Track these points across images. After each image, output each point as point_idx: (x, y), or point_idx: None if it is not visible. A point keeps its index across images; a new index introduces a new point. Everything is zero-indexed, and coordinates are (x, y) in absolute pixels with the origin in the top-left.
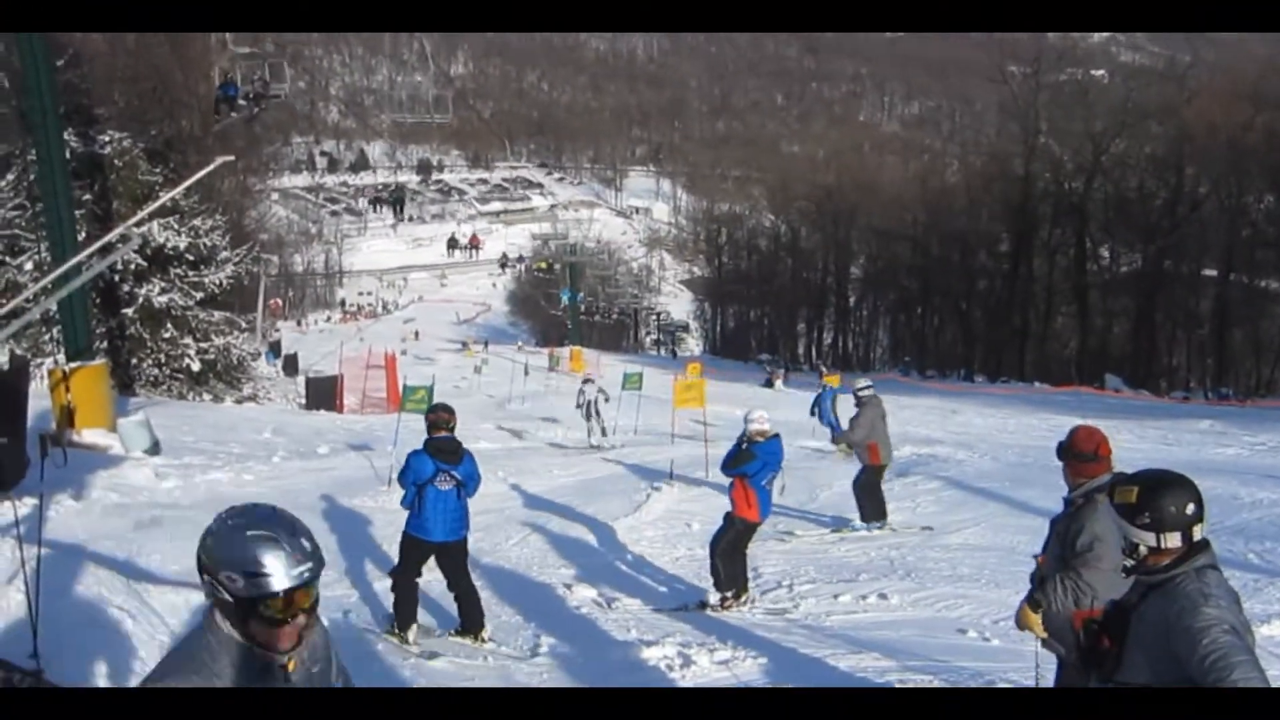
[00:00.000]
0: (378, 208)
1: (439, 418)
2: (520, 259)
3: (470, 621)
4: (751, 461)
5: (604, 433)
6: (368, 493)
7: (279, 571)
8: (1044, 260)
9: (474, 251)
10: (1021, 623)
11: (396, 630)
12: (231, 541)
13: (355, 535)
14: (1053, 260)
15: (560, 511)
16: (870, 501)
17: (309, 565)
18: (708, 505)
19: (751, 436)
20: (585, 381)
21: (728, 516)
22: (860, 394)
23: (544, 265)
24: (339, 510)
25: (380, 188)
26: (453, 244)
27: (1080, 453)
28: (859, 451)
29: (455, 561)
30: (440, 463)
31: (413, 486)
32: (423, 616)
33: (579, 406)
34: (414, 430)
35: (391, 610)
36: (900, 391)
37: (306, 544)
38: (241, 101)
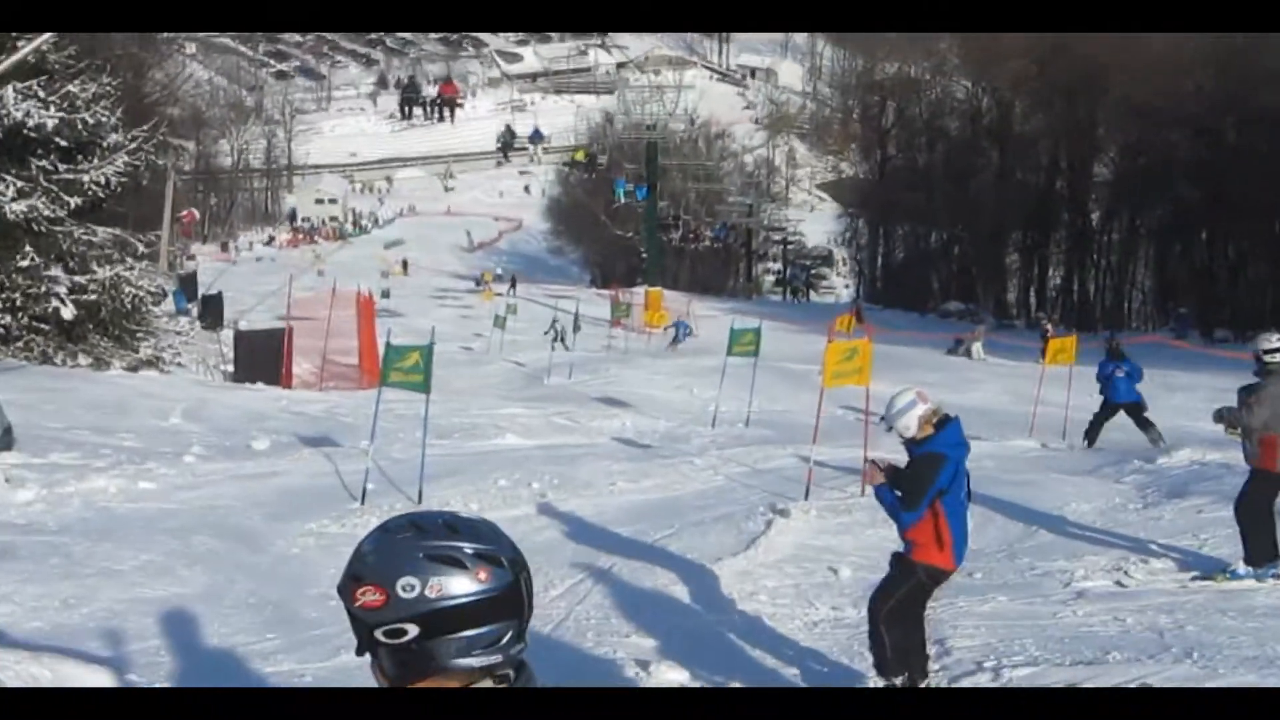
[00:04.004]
0: None
1: None
2: (537, 135)
3: None
4: (942, 469)
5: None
6: (330, 512)
7: None
8: None
9: (444, 110)
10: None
11: None
12: None
13: (310, 577)
14: None
15: (629, 547)
16: (1259, 532)
17: None
18: (862, 540)
19: (915, 437)
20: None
21: (900, 560)
22: (1267, 358)
23: (582, 155)
24: (287, 539)
25: None
26: (410, 97)
27: None
28: (1248, 446)
29: None
30: None
31: None
32: None
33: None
34: (400, 416)
35: None
36: (1173, 364)
37: None
38: None
